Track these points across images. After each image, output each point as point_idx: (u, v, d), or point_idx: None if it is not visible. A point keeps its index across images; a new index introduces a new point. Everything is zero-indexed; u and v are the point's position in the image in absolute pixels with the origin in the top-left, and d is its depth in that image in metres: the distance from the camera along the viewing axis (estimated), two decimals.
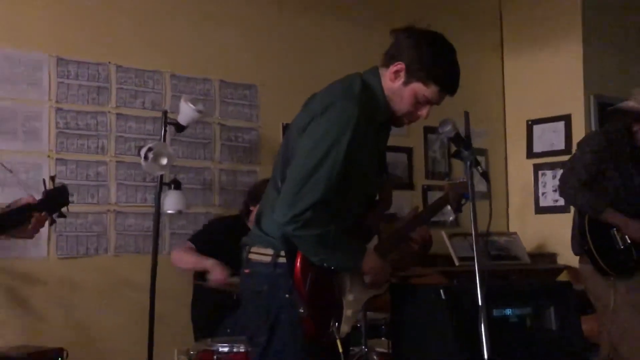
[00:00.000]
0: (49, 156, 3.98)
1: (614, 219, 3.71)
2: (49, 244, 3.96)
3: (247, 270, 2.64)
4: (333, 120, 2.46)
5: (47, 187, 2.45)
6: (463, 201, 2.53)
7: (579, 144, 3.97)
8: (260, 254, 2.58)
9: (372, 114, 2.54)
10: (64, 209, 2.52)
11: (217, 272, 3.74)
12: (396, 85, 2.54)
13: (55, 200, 2.47)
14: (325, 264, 2.51)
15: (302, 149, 2.49)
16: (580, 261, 3.84)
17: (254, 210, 3.98)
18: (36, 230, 2.41)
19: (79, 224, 4.06)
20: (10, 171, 2.72)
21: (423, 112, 2.60)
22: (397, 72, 2.53)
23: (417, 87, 2.52)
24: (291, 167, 2.50)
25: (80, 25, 4.14)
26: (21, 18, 3.94)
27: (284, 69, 4.89)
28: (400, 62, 2.51)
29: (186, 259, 3.96)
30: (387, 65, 2.56)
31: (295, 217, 2.39)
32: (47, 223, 2.55)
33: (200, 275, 4.05)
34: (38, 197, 2.45)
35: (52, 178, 2.50)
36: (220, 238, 4.01)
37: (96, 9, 4.19)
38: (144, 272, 4.00)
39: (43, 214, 2.38)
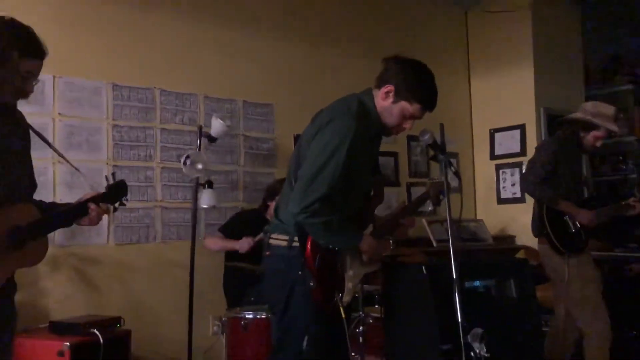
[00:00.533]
0: (107, 163, 3.98)
1: (566, 208, 3.72)
2: (109, 233, 3.96)
3: (268, 252, 2.66)
4: (335, 132, 2.48)
5: (109, 182, 2.43)
6: (441, 197, 2.53)
7: (537, 148, 3.98)
8: (279, 239, 2.60)
9: (366, 127, 2.56)
10: (123, 199, 2.49)
11: (242, 242, 3.82)
12: (387, 103, 2.56)
13: (116, 192, 2.45)
14: (330, 246, 2.52)
15: (310, 154, 2.51)
16: (539, 242, 3.84)
17: (271, 205, 4.00)
18: (99, 218, 2.36)
19: (132, 217, 4.06)
20: (77, 169, 2.69)
21: (408, 125, 2.62)
22: (387, 93, 2.54)
23: (404, 105, 2.54)
24: (302, 169, 2.52)
25: (131, 58, 4.14)
26: (84, 53, 3.94)
27: (294, 91, 4.89)
28: (390, 85, 2.53)
29: (216, 243, 4.02)
30: (379, 87, 2.58)
31: (306, 208, 2.41)
32: (110, 213, 2.51)
33: (229, 257, 4.07)
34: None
35: (113, 175, 2.48)
36: (243, 227, 4.03)
37: (143, 45, 4.19)
38: (184, 255, 4.00)
39: (102, 204, 2.36)
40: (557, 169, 3.75)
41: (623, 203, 3.84)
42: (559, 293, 3.79)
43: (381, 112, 2.59)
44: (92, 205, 2.33)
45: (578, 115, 3.85)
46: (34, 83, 2.22)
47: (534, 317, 2.74)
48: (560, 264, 3.71)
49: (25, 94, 2.21)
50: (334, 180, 2.44)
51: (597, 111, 3.79)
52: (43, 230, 2.24)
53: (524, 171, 3.86)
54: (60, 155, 2.48)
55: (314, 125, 2.60)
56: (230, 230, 4.06)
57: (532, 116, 5.74)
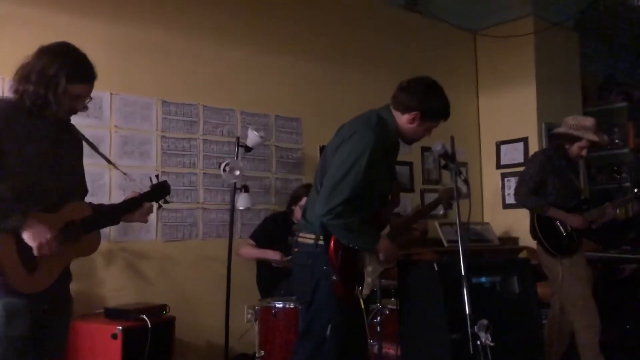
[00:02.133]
0: (156, 170, 4.00)
1: (556, 214, 3.67)
2: (157, 230, 4.00)
3: (296, 249, 2.66)
4: (357, 143, 2.48)
5: (153, 182, 2.44)
6: (452, 202, 2.52)
7: (526, 162, 3.93)
8: (306, 238, 2.60)
9: (385, 139, 2.56)
10: (167, 198, 2.48)
11: (275, 256, 3.81)
12: (413, 126, 2.59)
13: (159, 191, 2.44)
14: (350, 245, 2.52)
15: (334, 163, 2.51)
16: (536, 244, 3.80)
17: (295, 208, 4.00)
18: (144, 215, 2.37)
19: (177, 217, 4.09)
20: (125, 173, 2.70)
21: (429, 133, 2.66)
22: (413, 119, 2.56)
23: (430, 123, 2.59)
24: (327, 176, 2.52)
25: (178, 78, 4.18)
26: (137, 73, 4.00)
27: (320, 106, 4.89)
28: (415, 112, 2.55)
29: (250, 253, 3.99)
30: (402, 112, 2.58)
31: (330, 211, 2.41)
32: (155, 211, 2.51)
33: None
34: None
35: (157, 176, 2.48)
36: (271, 231, 4.02)
37: (188, 66, 4.23)
38: (222, 251, 4.02)
39: (146, 204, 2.37)
40: (547, 179, 3.69)
41: (603, 206, 3.75)
42: (554, 290, 3.74)
43: (406, 131, 2.62)
44: (143, 203, 2.34)
45: (561, 129, 3.79)
46: (87, 101, 2.25)
47: (534, 310, 2.69)
48: (554, 264, 3.66)
49: (75, 111, 2.25)
50: (355, 186, 2.44)
51: (577, 124, 3.72)
52: (95, 225, 2.27)
53: (516, 184, 3.79)
54: (109, 161, 2.50)
55: (337, 137, 2.61)
56: (261, 236, 4.03)
57: (534, 130, 5.67)
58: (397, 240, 2.74)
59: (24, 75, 2.12)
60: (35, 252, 2.02)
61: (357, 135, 2.50)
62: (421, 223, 2.84)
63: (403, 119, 2.58)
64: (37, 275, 2.06)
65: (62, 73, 2.11)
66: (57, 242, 2.05)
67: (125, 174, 2.66)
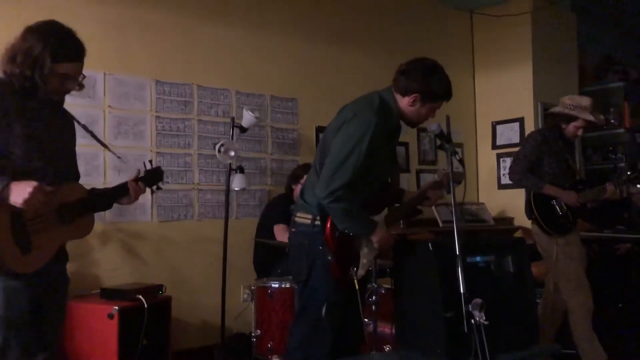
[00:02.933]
0: (151, 150, 4.01)
1: (551, 191, 3.67)
2: (152, 211, 4.00)
3: (293, 229, 2.66)
4: (359, 125, 2.46)
5: (147, 168, 2.44)
6: (454, 184, 2.51)
7: (522, 142, 3.92)
8: (303, 218, 2.60)
9: (387, 121, 2.54)
10: (160, 184, 2.51)
11: None
12: (414, 108, 2.57)
13: (153, 176, 2.46)
14: (347, 231, 2.52)
15: (336, 144, 2.49)
16: (531, 224, 3.81)
17: (296, 188, 4.01)
18: (137, 196, 2.37)
19: (173, 198, 4.10)
20: (119, 157, 2.69)
21: (433, 115, 2.64)
22: (414, 101, 2.54)
23: (431, 105, 2.57)
24: (328, 157, 2.50)
25: (172, 58, 4.16)
26: (131, 53, 3.97)
27: (316, 86, 4.87)
28: (415, 94, 2.53)
29: (285, 234, 3.93)
30: (402, 94, 2.56)
31: (331, 194, 2.41)
32: (150, 195, 2.49)
33: (258, 234, 4.08)
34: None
35: (151, 162, 2.49)
36: (285, 208, 4.01)
37: (183, 46, 4.20)
38: (218, 232, 4.04)
39: (140, 184, 2.37)
40: (542, 159, 3.69)
41: (599, 187, 3.76)
42: (548, 269, 3.77)
43: (408, 113, 2.59)
44: (133, 184, 2.35)
45: (558, 109, 3.78)
46: (80, 79, 2.22)
47: (528, 289, 2.71)
48: (549, 243, 3.68)
49: (68, 91, 2.22)
50: (356, 169, 2.43)
51: (574, 103, 3.71)
52: (89, 207, 2.26)
53: (510, 163, 3.79)
54: (102, 144, 2.49)
55: (339, 119, 2.58)
56: (285, 215, 4.01)
57: (530, 110, 5.67)
58: (397, 221, 2.74)
59: (10, 57, 2.09)
60: (24, 208, 1.97)
61: (359, 117, 2.48)
62: (435, 193, 2.83)
63: (404, 102, 2.57)
64: (31, 255, 2.07)
65: (46, 53, 2.07)
66: (41, 193, 2.00)
67: (119, 157, 2.65)
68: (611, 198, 3.97)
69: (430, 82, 2.53)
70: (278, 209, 4.11)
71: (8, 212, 2.00)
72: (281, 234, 3.95)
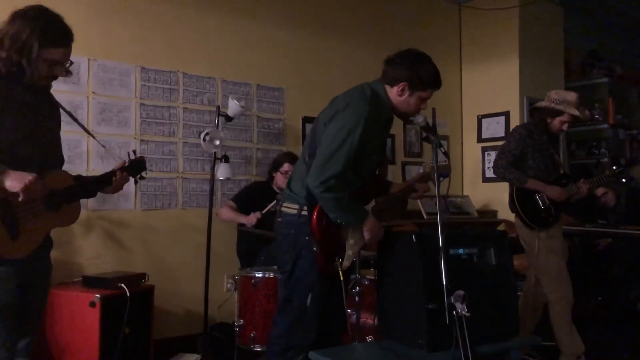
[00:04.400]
0: (135, 138, 4.00)
1: (535, 186, 3.70)
2: (136, 199, 3.99)
3: (279, 219, 2.67)
4: (350, 115, 2.47)
5: (131, 158, 2.48)
6: (441, 179, 2.52)
7: (507, 136, 3.95)
8: (290, 208, 2.61)
9: (378, 112, 2.55)
10: (143, 173, 2.55)
11: (250, 218, 3.86)
12: (403, 97, 2.57)
13: (136, 166, 2.50)
14: (338, 221, 2.52)
15: (328, 135, 2.50)
16: (515, 217, 3.86)
17: (276, 175, 4.05)
18: (120, 186, 2.43)
19: (157, 186, 4.09)
20: (104, 146, 2.70)
21: (424, 106, 2.63)
22: (402, 90, 2.54)
23: (420, 94, 2.56)
24: (320, 148, 2.50)
25: (157, 44, 4.13)
26: (115, 39, 3.94)
27: (302, 76, 4.87)
28: (403, 82, 2.53)
29: (228, 214, 4.03)
30: (391, 84, 2.57)
31: (322, 183, 2.41)
32: (133, 185, 2.53)
33: (241, 224, 4.10)
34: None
35: (134, 152, 2.53)
36: (253, 198, 4.06)
37: (168, 33, 4.18)
38: (202, 221, 4.04)
39: (124, 173, 2.41)
40: (527, 153, 3.72)
41: (574, 185, 3.79)
42: (530, 262, 3.82)
43: (398, 104, 2.59)
44: (119, 173, 2.37)
45: (544, 103, 3.81)
46: (67, 66, 2.21)
47: (510, 282, 2.74)
48: (531, 236, 3.72)
49: (55, 77, 2.22)
50: (348, 159, 2.44)
51: (560, 98, 3.75)
52: (77, 195, 2.27)
53: (495, 157, 3.82)
54: (88, 132, 2.49)
55: (330, 109, 2.58)
56: (242, 200, 4.09)
57: (516, 104, 5.71)
58: (384, 213, 2.76)
59: None
60: (21, 196, 2.00)
61: (351, 107, 2.48)
62: (422, 185, 2.85)
63: (393, 92, 2.57)
64: (20, 241, 2.07)
65: (34, 37, 2.07)
66: (40, 185, 2.04)
67: (104, 146, 2.66)
68: (594, 193, 4.03)
69: (418, 69, 2.54)
70: (246, 191, 4.20)
71: None
72: (225, 209, 4.03)
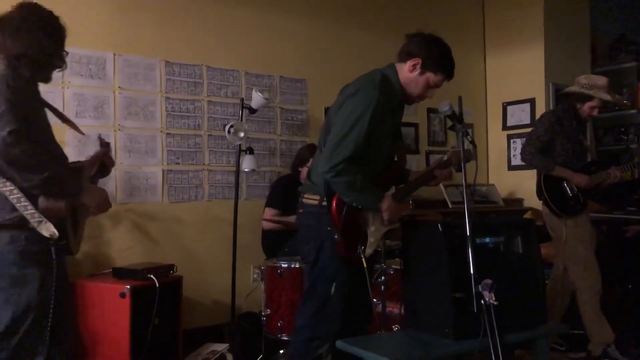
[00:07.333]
0: (161, 131, 4.02)
1: (562, 173, 3.65)
2: (163, 192, 4.02)
3: (301, 210, 2.67)
4: (360, 101, 2.46)
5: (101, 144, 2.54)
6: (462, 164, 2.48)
7: (535, 122, 3.89)
8: (310, 199, 2.61)
9: (388, 97, 2.53)
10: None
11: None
12: (413, 75, 2.54)
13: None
14: (354, 204, 2.51)
15: (338, 120, 2.50)
16: (542, 205, 3.80)
17: (302, 170, 4.01)
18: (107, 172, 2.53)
19: (183, 178, 4.11)
20: (83, 134, 2.64)
21: (430, 93, 2.61)
22: (414, 66, 2.53)
23: (429, 76, 2.54)
24: (330, 134, 2.51)
25: (182, 39, 4.14)
26: (140, 34, 3.96)
27: (325, 67, 4.84)
28: (417, 58, 2.52)
29: (271, 225, 3.96)
30: (404, 60, 2.55)
31: (332, 168, 2.41)
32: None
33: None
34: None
35: (100, 136, 2.58)
36: (285, 192, 4.03)
37: (192, 27, 4.19)
38: (228, 212, 4.05)
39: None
40: (555, 139, 3.66)
41: (603, 172, 3.72)
42: (558, 250, 3.76)
43: (406, 83, 2.57)
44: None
45: (573, 88, 3.74)
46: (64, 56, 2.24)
47: (537, 270, 2.70)
48: (558, 224, 3.67)
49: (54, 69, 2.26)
50: (358, 144, 2.43)
51: (590, 83, 3.67)
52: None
53: (523, 144, 3.76)
54: (70, 123, 2.46)
55: (341, 97, 2.60)
56: (280, 200, 4.04)
57: (541, 91, 5.60)
58: (404, 199, 2.73)
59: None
60: (94, 211, 2.16)
61: (360, 93, 2.47)
62: (443, 172, 2.81)
63: (405, 69, 2.55)
64: (77, 239, 2.18)
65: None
66: (109, 202, 2.24)
67: (83, 134, 2.62)
68: (623, 179, 3.94)
69: (433, 48, 2.54)
70: (276, 191, 4.14)
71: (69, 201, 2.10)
72: (266, 222, 3.99)
